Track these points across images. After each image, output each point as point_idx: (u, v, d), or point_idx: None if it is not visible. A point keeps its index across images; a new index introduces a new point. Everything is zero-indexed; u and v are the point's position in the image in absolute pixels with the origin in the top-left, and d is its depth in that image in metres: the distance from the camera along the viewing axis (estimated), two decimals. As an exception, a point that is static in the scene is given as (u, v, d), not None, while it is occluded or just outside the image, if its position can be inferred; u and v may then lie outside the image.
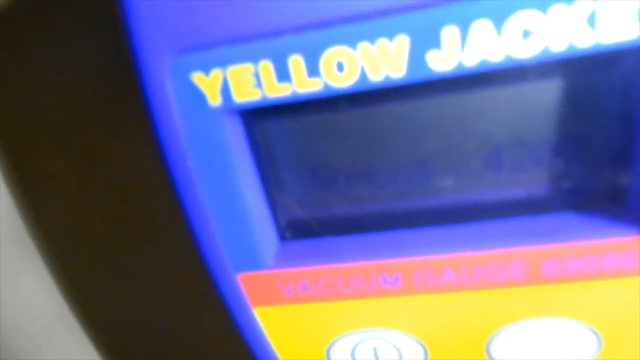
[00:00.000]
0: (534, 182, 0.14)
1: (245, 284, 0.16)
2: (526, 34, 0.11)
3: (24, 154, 0.25)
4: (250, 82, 0.13)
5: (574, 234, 0.14)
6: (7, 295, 0.27)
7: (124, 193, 0.22)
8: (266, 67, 0.13)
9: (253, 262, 0.16)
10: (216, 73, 0.13)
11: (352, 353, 0.17)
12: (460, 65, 0.12)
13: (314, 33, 0.12)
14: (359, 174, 0.15)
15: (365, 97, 0.14)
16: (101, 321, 0.29)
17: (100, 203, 0.24)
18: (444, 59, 0.12)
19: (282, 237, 0.17)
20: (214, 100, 0.13)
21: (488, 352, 0.16)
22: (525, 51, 0.12)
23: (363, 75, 0.12)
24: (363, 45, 0.12)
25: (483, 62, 0.12)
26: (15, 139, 0.25)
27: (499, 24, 0.11)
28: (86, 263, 0.27)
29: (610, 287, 0.14)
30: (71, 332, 0.29)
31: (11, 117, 0.24)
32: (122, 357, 0.29)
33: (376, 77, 0.12)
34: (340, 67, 0.12)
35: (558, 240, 0.14)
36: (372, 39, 0.12)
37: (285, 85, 0.13)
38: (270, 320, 0.16)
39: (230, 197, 0.15)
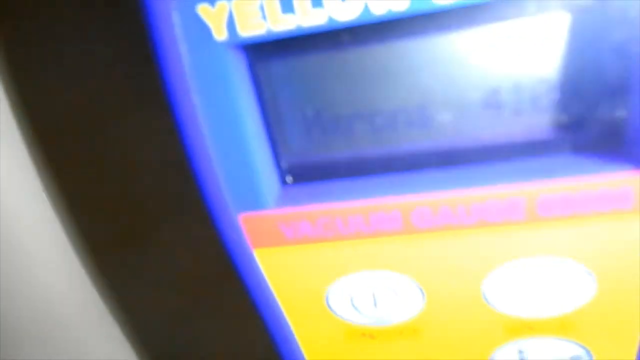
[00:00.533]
0: (531, 123, 0.15)
1: (246, 225, 0.16)
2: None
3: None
4: (256, 14, 0.13)
5: (569, 171, 0.14)
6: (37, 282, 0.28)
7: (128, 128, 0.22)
8: (271, -3, 0.13)
9: (255, 203, 0.16)
10: (222, 5, 0.13)
11: (351, 295, 0.17)
12: (461, -3, 0.12)
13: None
14: (360, 115, 0.16)
15: (367, 33, 0.14)
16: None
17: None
18: (446, -10, 0.12)
19: (284, 180, 0.17)
20: (220, 33, 0.13)
21: (483, 293, 0.16)
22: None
23: (366, 8, 0.13)
24: (367, -25, 0.12)
25: (484, -6, 0.12)
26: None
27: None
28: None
29: (604, 226, 0.14)
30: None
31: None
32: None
33: (379, 9, 0.13)
34: (344, -2, 0.13)
35: (554, 176, 0.14)
36: (375, -32, 0.12)
37: (289, 16, 0.13)
38: (269, 262, 0.17)
39: (233, 136, 0.15)
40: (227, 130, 0.15)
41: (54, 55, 0.23)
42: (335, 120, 0.16)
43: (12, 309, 0.29)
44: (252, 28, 0.13)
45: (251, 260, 0.17)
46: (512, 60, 0.14)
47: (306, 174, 0.17)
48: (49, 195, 0.26)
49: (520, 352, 0.17)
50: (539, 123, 0.15)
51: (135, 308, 0.29)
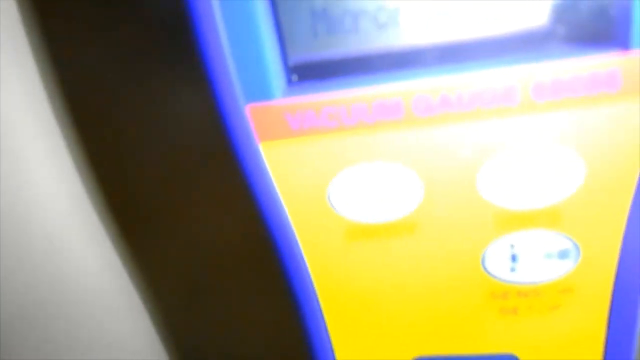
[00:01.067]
0: (523, 10, 0.16)
1: (253, 116, 0.17)
2: None
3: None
4: None
5: (560, 55, 0.15)
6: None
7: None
8: None
9: (262, 94, 0.17)
10: None
11: (352, 189, 0.18)
12: None
13: None
14: (364, 13, 0.16)
15: None
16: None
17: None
18: None
19: (289, 80, 0.18)
20: None
21: (477, 185, 0.17)
22: None
23: None
24: None
25: None
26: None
27: None
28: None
29: (593, 110, 0.15)
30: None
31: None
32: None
33: None
34: None
35: (545, 60, 0.15)
36: None
37: None
38: (274, 156, 0.17)
39: (244, 26, 0.16)
40: (239, 21, 0.16)
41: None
42: (341, 17, 0.17)
43: (36, 284, 0.29)
44: None
45: (256, 152, 0.17)
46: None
47: (312, 72, 0.17)
48: (69, 147, 0.27)
49: (512, 246, 0.18)
50: (529, 10, 0.16)
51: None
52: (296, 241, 0.19)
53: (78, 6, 0.25)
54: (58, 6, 0.25)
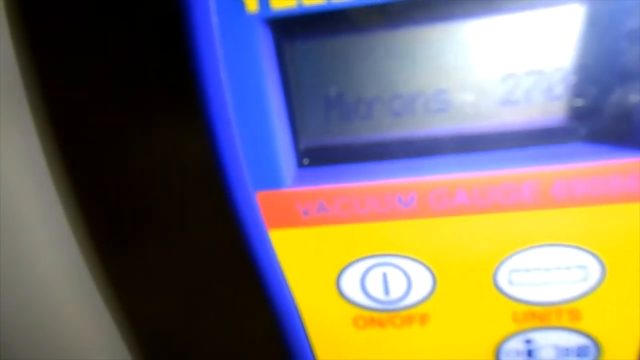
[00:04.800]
0: (546, 110, 0.15)
1: (262, 203, 0.16)
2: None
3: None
4: (288, -11, 0.14)
5: (582, 157, 0.15)
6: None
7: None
8: (306, -28, 0.13)
9: (272, 181, 0.16)
10: (256, -21, 0.14)
11: (362, 279, 0.17)
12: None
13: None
14: (380, 99, 0.16)
15: (391, 16, 0.15)
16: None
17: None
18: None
19: (300, 163, 0.17)
20: (252, 6, 0.14)
21: (494, 280, 0.16)
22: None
23: (396, -14, 0.13)
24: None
25: (509, -23, 0.13)
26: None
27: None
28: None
29: (614, 212, 0.15)
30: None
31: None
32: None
33: (408, -13, 0.13)
34: (375, -24, 0.13)
35: (567, 162, 0.15)
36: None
37: (321, -7, 0.14)
38: (284, 244, 0.17)
39: (255, 112, 0.15)
40: (250, 106, 0.15)
41: (77, 25, 0.24)
42: (355, 104, 0.16)
43: (11, 306, 0.28)
44: (284, 2, 0.14)
45: (265, 240, 0.17)
46: (529, 48, 0.15)
47: (324, 156, 0.17)
48: (48, 165, 0.26)
49: (528, 341, 0.17)
50: (553, 110, 0.15)
51: (142, 288, 0.29)
52: (304, 328, 0.18)
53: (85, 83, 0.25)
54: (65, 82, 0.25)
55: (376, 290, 0.17)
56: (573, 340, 0.17)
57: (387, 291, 0.17)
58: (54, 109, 0.26)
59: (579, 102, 0.15)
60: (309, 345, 0.18)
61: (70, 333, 0.29)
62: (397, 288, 0.17)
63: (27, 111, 0.26)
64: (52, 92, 0.26)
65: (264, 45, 0.15)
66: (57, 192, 0.28)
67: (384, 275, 0.17)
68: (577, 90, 0.15)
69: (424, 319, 0.17)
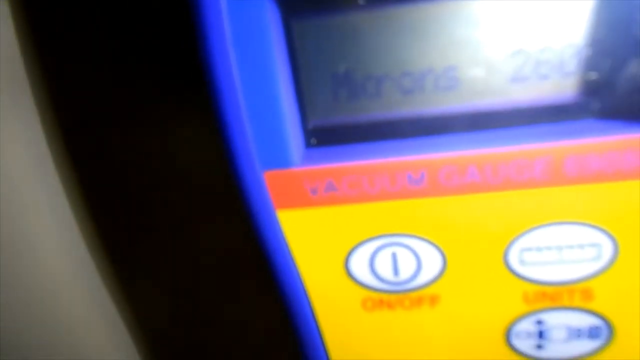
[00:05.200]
0: (558, 85, 0.15)
1: (270, 182, 0.16)
2: None
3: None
4: (297, -38, 0.13)
5: (595, 133, 0.14)
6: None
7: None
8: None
9: (281, 160, 0.16)
10: (265, -48, 0.13)
11: (371, 260, 0.17)
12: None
13: None
14: (387, 78, 0.16)
15: (403, -11, 0.14)
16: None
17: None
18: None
19: (308, 143, 0.17)
20: (260, -20, 0.14)
21: (504, 259, 0.16)
22: None
23: (407, -43, 0.13)
24: None
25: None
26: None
27: None
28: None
29: (628, 188, 0.15)
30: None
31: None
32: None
33: (419, -41, 0.13)
34: (385, -53, 0.13)
35: (579, 137, 0.14)
36: None
37: (330, -35, 0.13)
38: (292, 224, 0.17)
39: (264, 90, 0.15)
40: (258, 85, 0.15)
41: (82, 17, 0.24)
42: (364, 82, 0.16)
43: (13, 304, 0.28)
44: (293, -24, 0.14)
45: (274, 220, 0.17)
46: (540, 23, 0.14)
47: (332, 135, 0.17)
48: (55, 160, 0.26)
49: (539, 322, 0.17)
50: (566, 87, 0.15)
51: (149, 272, 0.29)
52: (312, 310, 0.18)
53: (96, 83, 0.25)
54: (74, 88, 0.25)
55: (385, 271, 0.17)
56: (585, 320, 0.17)
57: (396, 272, 0.17)
58: (57, 99, 0.26)
59: (592, 78, 0.15)
60: (317, 327, 0.18)
61: (76, 332, 0.29)
62: (406, 268, 0.17)
63: (31, 105, 0.26)
64: (56, 83, 0.26)
65: (271, 23, 0.15)
66: (62, 185, 0.27)
67: (394, 256, 0.17)
68: (590, 65, 0.15)
69: (433, 300, 0.17)
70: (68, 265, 0.28)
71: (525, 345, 0.17)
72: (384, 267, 0.17)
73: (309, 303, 0.18)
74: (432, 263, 0.17)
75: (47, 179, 0.27)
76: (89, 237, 0.29)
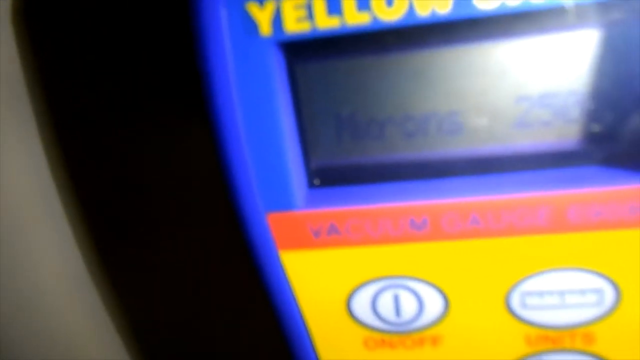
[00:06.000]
0: (562, 133, 0.15)
1: (273, 224, 0.16)
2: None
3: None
4: (302, 13, 0.14)
5: (598, 181, 0.14)
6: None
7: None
8: (320, -3, 0.13)
9: (283, 202, 0.16)
10: (270, 3, 0.14)
11: (373, 301, 0.17)
12: (503, 5, 0.13)
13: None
14: (392, 120, 0.16)
15: (404, 38, 0.14)
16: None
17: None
18: (490, -4, 0.13)
19: (311, 184, 0.17)
20: (265, 30, 0.14)
21: (507, 303, 0.16)
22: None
23: (411, 10, 0.13)
24: (414, -22, 0.13)
25: (525, 3, 0.13)
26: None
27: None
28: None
29: (631, 237, 0.15)
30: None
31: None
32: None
33: (423, 12, 0.13)
34: (389, 1, 0.13)
35: (583, 186, 0.14)
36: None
37: (335, 17, 0.13)
38: (294, 265, 0.17)
39: (266, 133, 0.15)
40: (262, 127, 0.15)
41: (87, 45, 0.24)
42: (367, 124, 0.16)
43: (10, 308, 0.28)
44: (298, 27, 0.14)
45: (276, 261, 0.17)
46: (544, 71, 0.15)
47: (335, 176, 0.17)
48: (53, 174, 0.26)
49: (541, 365, 0.17)
50: (569, 134, 0.15)
51: (147, 309, 0.29)
52: (314, 348, 0.18)
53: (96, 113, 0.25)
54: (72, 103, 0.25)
55: (387, 311, 0.17)
56: (587, 363, 0.17)
57: (398, 313, 0.17)
58: (60, 125, 0.26)
59: (595, 126, 0.15)
60: (320, 366, 0.18)
61: (70, 335, 0.29)
62: (408, 310, 0.17)
63: (29, 112, 0.26)
64: (58, 104, 0.26)
65: (276, 67, 0.15)
66: (58, 195, 0.27)
67: (396, 297, 0.17)
68: (593, 113, 0.15)
69: (435, 340, 0.17)
70: (64, 272, 0.28)
71: (527, 386, 0.17)
72: (386, 308, 0.17)
73: (311, 342, 0.18)
74: (434, 305, 0.17)
75: (43, 187, 0.27)
76: (87, 251, 0.29)
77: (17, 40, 0.25)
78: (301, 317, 0.17)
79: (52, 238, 0.27)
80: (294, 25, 0.14)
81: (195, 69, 0.15)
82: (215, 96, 0.15)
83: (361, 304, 0.17)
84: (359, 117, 0.16)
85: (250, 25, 0.14)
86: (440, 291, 0.16)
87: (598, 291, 0.15)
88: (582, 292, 0.16)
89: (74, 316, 0.29)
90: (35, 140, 0.26)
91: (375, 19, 0.13)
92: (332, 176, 0.17)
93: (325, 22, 0.14)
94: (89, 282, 0.30)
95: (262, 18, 0.14)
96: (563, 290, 0.16)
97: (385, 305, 0.17)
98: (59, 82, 0.25)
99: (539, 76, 0.15)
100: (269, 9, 0.14)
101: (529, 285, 0.16)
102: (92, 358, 0.30)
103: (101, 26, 0.23)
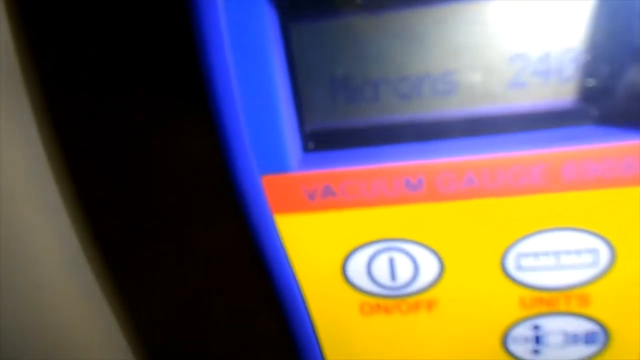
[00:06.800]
0: (556, 92, 0.15)
1: (268, 187, 0.16)
2: None
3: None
4: (296, -34, 0.13)
5: (593, 139, 0.14)
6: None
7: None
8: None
9: (278, 165, 0.16)
10: (263, -44, 0.13)
11: (368, 264, 0.17)
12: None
13: None
14: (386, 81, 0.16)
15: (402, -6, 0.14)
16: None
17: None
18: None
19: (306, 147, 0.17)
20: (258, -16, 0.14)
21: (502, 264, 0.16)
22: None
23: (406, -38, 0.13)
24: None
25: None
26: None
27: None
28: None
29: (626, 195, 0.15)
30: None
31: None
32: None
33: (418, -36, 0.13)
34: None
35: (578, 143, 0.14)
36: None
37: (329, -30, 0.13)
38: (289, 229, 0.17)
39: (261, 94, 0.15)
40: (256, 89, 0.15)
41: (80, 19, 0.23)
42: (362, 86, 0.16)
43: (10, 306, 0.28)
44: (291, -20, 0.14)
45: (271, 225, 0.16)
46: (538, 30, 0.14)
47: (330, 140, 0.17)
48: (52, 169, 0.26)
49: (536, 327, 0.17)
50: (564, 93, 0.15)
51: (145, 278, 0.29)
52: (309, 314, 0.18)
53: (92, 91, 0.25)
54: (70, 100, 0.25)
55: (383, 275, 0.17)
56: (581, 326, 0.17)
57: (393, 277, 0.17)
58: (55, 101, 0.26)
59: (590, 84, 0.15)
60: (315, 331, 0.18)
61: (71, 333, 0.29)
62: (403, 273, 0.17)
63: (28, 109, 0.26)
64: (54, 86, 0.26)
65: (269, 26, 0.14)
66: (57, 185, 0.27)
67: (391, 261, 0.17)
68: (588, 71, 0.15)
69: (430, 305, 0.17)
70: (63, 268, 0.28)
71: (522, 350, 0.17)
72: (381, 272, 0.17)
73: (306, 307, 0.18)
74: (429, 268, 0.17)
75: (42, 181, 0.27)
76: (85, 240, 0.29)
77: (13, 34, 0.25)
78: (296, 282, 0.17)
79: (53, 235, 0.27)
80: (288, -21, 0.14)
81: (187, 33, 0.15)
82: (208, 57, 0.15)
83: (356, 268, 0.17)
84: (353, 79, 0.16)
85: (243, -21, 0.14)
86: (436, 254, 0.16)
87: (593, 251, 0.15)
88: (578, 252, 0.16)
89: (75, 313, 0.29)
90: (33, 134, 0.26)
91: (369, -28, 0.13)
92: (327, 140, 0.17)
93: (319, -24, 0.13)
94: (90, 277, 0.29)
95: (255, -28, 0.14)
96: (558, 251, 0.16)
97: (381, 269, 0.17)
98: (55, 75, 0.25)
99: (532, 35, 0.15)
100: (262, -38, 0.13)
101: (525, 246, 0.16)
102: (95, 357, 0.30)
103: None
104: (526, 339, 0.17)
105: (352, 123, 0.17)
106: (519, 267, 0.16)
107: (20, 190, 0.26)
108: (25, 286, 0.28)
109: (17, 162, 0.26)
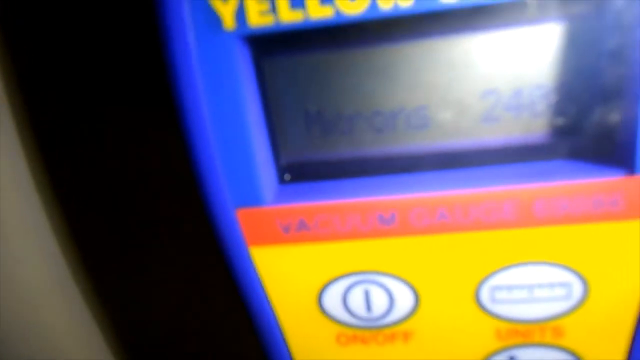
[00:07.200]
0: (528, 127, 0.15)
1: (242, 220, 0.16)
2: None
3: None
4: (265, 7, 0.13)
5: (564, 175, 0.14)
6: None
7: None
8: (282, -10, 0.13)
9: (252, 198, 0.16)
10: (233, -4, 0.13)
11: (344, 296, 0.17)
12: (465, -2, 0.13)
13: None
14: (360, 115, 0.16)
15: (370, 32, 0.14)
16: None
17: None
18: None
19: (281, 179, 0.17)
20: (229, 24, 0.14)
21: (476, 297, 0.16)
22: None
23: (373, 3, 0.13)
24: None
25: (487, -5, 0.13)
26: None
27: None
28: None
29: (596, 230, 0.15)
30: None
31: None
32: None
33: (385, 5, 0.13)
34: (352, -6, 0.13)
35: (549, 180, 0.14)
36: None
37: (298, 11, 0.13)
38: (264, 261, 0.17)
39: (234, 129, 0.15)
40: (229, 123, 0.15)
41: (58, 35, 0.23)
42: (336, 120, 0.16)
43: None
44: (261, 20, 0.14)
45: (246, 257, 0.17)
46: (509, 66, 0.15)
47: (305, 172, 0.17)
48: (33, 179, 0.26)
49: (512, 358, 0.17)
50: (535, 128, 0.15)
51: (125, 300, 0.29)
52: (287, 345, 0.18)
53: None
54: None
55: (358, 307, 0.17)
56: (556, 357, 0.17)
57: (369, 308, 0.17)
58: (37, 120, 0.26)
59: (561, 120, 0.15)
60: (292, 362, 0.18)
61: (52, 337, 0.29)
62: (379, 305, 0.17)
63: (10, 120, 0.26)
64: (36, 103, 0.26)
65: (242, 62, 0.15)
66: (36, 188, 0.27)
67: (366, 293, 0.17)
68: (559, 107, 0.15)
69: (407, 336, 0.17)
70: (46, 273, 0.28)
71: (499, 380, 0.17)
72: (356, 303, 0.17)
73: (283, 338, 0.18)
74: (404, 300, 0.17)
75: (24, 190, 0.27)
76: (68, 254, 0.29)
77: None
78: (273, 313, 0.17)
79: (35, 243, 0.27)
80: (258, 18, 0.14)
81: (161, 66, 0.15)
82: (181, 92, 0.15)
83: (332, 299, 0.17)
84: (327, 113, 0.16)
85: (214, 19, 0.14)
86: (411, 286, 0.16)
87: (566, 285, 0.16)
88: (551, 285, 0.16)
89: (58, 318, 0.29)
90: (14, 142, 0.26)
91: (338, 12, 0.13)
92: (302, 172, 0.17)
93: (289, 16, 0.13)
94: (72, 285, 0.29)
95: (226, 12, 0.14)
96: (532, 285, 0.16)
97: (356, 300, 0.17)
98: (33, 84, 0.25)
99: (504, 70, 0.15)
100: (232, 2, 0.13)
101: (498, 279, 0.16)
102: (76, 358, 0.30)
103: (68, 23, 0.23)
104: (502, 370, 0.17)
105: (327, 156, 0.17)
106: (494, 300, 0.16)
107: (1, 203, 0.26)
108: (3, 286, 0.28)
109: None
